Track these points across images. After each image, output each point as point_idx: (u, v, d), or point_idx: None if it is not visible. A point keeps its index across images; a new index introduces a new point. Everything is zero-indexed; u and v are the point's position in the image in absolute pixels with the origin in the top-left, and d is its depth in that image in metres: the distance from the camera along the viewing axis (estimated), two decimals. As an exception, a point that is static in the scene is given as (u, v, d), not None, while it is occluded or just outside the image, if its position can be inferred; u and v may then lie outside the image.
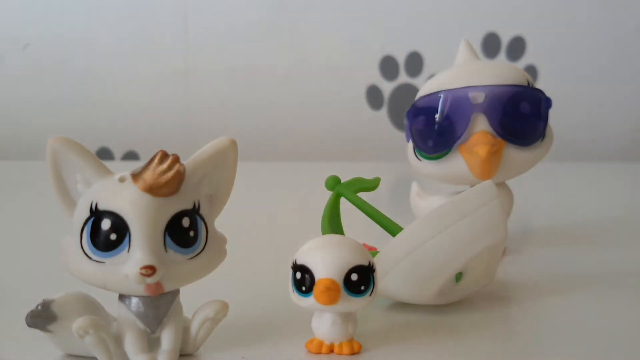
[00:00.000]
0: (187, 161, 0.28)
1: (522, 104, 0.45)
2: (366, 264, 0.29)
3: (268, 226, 0.62)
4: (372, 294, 0.30)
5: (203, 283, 0.30)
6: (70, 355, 0.30)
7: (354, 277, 0.29)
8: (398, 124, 1.14)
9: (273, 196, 0.81)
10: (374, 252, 0.38)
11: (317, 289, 0.29)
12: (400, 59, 1.13)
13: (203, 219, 0.29)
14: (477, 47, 1.10)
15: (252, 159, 1.06)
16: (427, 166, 0.47)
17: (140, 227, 0.27)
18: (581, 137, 1.11)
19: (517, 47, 1.11)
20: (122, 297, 0.29)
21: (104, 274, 0.27)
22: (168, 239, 0.27)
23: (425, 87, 0.48)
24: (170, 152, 0.28)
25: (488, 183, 0.36)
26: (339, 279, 0.29)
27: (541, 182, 0.85)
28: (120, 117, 1.18)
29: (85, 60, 1.17)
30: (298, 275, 0.29)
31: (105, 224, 0.27)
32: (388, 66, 1.13)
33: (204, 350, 0.31)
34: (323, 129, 1.15)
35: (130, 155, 1.18)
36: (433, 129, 0.46)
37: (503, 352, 0.31)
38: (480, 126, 0.45)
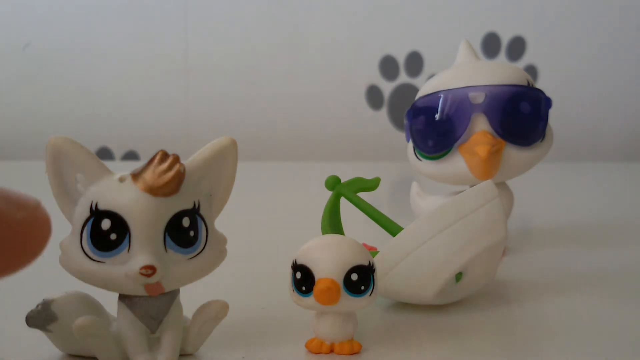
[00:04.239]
0: (187, 161, 0.28)
1: (522, 104, 0.45)
2: (366, 264, 0.29)
3: (268, 226, 0.62)
4: (372, 294, 0.30)
5: (203, 283, 0.30)
6: (70, 355, 0.30)
7: (354, 277, 0.29)
8: (398, 124, 1.14)
9: (273, 196, 0.81)
10: (374, 252, 0.38)
11: (317, 289, 0.29)
12: (400, 59, 1.13)
13: (203, 219, 0.28)
14: (477, 47, 1.10)
15: (252, 159, 1.06)
16: (427, 166, 0.47)
17: (140, 227, 0.27)
18: (581, 137, 1.11)
19: (517, 47, 1.11)
20: (122, 297, 0.29)
21: (104, 274, 0.27)
22: (168, 238, 0.27)
23: (425, 87, 0.48)
24: (170, 152, 0.28)
25: (488, 183, 0.36)
26: (339, 279, 0.29)
27: (541, 182, 0.85)
28: (120, 117, 1.18)
29: (85, 60, 1.17)
30: (298, 275, 0.29)
31: (105, 224, 0.27)
32: (388, 66, 1.13)
33: (204, 350, 0.31)
34: (323, 129, 1.15)
35: (130, 155, 1.18)
36: (433, 129, 0.46)
37: (503, 352, 0.31)
38: (481, 126, 0.45)
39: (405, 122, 0.48)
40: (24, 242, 0.16)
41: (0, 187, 0.16)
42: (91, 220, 0.27)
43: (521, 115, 0.45)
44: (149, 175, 0.27)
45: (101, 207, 0.27)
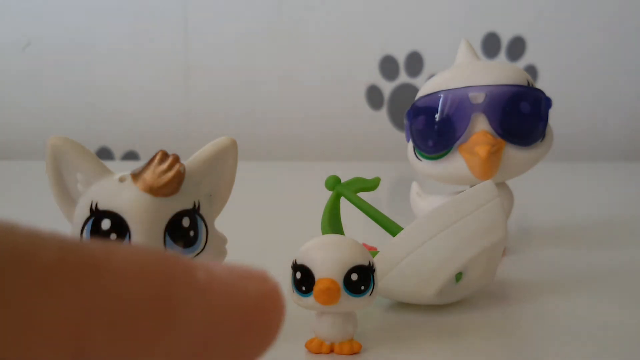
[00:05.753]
0: (187, 161, 0.28)
1: (522, 104, 0.45)
2: (366, 264, 0.29)
3: (268, 226, 0.62)
4: (372, 294, 0.30)
5: (203, 283, 0.30)
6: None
7: (354, 277, 0.29)
8: (398, 124, 1.14)
9: (273, 196, 0.81)
10: (374, 252, 0.38)
11: (317, 288, 0.28)
12: (400, 59, 1.13)
13: (203, 219, 0.28)
14: (477, 47, 1.10)
15: (252, 159, 1.06)
16: (427, 166, 0.47)
17: (140, 227, 0.27)
18: (581, 137, 1.11)
19: (517, 47, 1.11)
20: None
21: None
22: (168, 238, 0.27)
23: (425, 87, 0.48)
24: (170, 152, 0.28)
25: (488, 183, 0.36)
26: (339, 279, 0.29)
27: (541, 182, 0.85)
28: (120, 116, 1.18)
29: (85, 60, 1.17)
30: (298, 275, 0.29)
31: (106, 224, 0.27)
32: (388, 66, 1.13)
33: (204, 350, 0.31)
34: (323, 129, 1.15)
35: (130, 155, 1.18)
36: (433, 129, 0.46)
37: (503, 352, 0.31)
38: (480, 126, 0.45)
39: (405, 122, 0.48)
40: (257, 322, 0.12)
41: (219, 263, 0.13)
42: (91, 220, 0.27)
43: (521, 115, 0.45)
44: (149, 175, 0.27)
45: (101, 207, 0.27)
